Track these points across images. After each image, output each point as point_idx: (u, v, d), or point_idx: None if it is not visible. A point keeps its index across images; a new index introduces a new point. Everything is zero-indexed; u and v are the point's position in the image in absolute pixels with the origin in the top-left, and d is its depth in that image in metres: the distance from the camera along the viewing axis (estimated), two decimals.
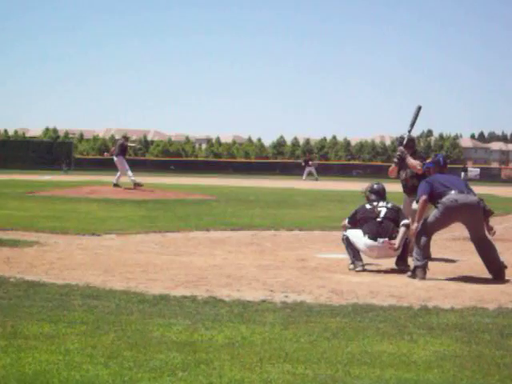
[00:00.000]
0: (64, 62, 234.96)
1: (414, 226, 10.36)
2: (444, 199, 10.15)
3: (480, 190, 37.50)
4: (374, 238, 10.63)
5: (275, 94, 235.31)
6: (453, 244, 14.68)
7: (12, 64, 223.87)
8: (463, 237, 16.14)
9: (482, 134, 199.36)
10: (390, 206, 11.05)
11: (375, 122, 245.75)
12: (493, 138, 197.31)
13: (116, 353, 5.61)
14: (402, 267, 10.68)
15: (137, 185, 29.98)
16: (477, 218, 10.37)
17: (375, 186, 11.50)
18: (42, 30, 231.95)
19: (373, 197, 11.32)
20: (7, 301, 7.58)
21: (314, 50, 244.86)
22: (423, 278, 9.96)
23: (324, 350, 5.87)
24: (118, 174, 30.33)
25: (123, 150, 30.29)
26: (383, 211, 10.91)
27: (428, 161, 12.09)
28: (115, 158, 30.26)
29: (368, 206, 11.08)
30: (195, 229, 16.08)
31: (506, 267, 10.21)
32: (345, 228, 11.18)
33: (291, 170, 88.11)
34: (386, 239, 10.60)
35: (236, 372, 5.20)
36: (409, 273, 10.26)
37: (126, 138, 31.36)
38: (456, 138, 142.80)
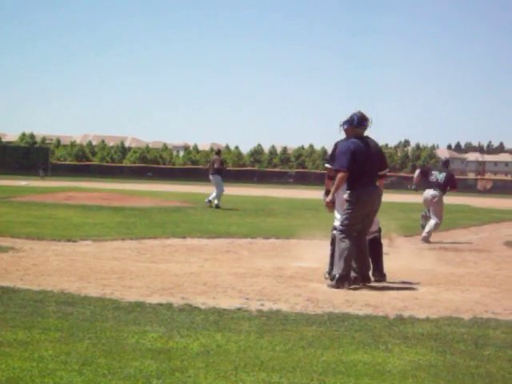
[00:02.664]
0: (41, 66, 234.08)
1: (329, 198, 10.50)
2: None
3: (457, 200, 37.81)
4: None
5: (253, 102, 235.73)
6: (430, 253, 14.73)
7: None
8: (439, 246, 16.27)
9: (458, 145, 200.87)
10: None
11: None
12: (469, 148, 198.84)
13: (90, 360, 5.58)
14: (377, 278, 10.66)
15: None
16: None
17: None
18: (18, 32, 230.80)
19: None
20: None
21: (293, 58, 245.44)
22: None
23: (299, 358, 5.87)
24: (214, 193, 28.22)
25: (219, 169, 28.46)
26: None
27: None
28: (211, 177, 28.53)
29: None
30: (172, 236, 16.05)
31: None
32: None
33: (269, 178, 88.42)
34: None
35: (211, 380, 5.18)
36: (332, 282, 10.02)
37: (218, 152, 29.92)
38: (433, 148, 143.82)
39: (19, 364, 5.40)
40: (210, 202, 27.83)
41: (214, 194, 27.92)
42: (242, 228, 18.84)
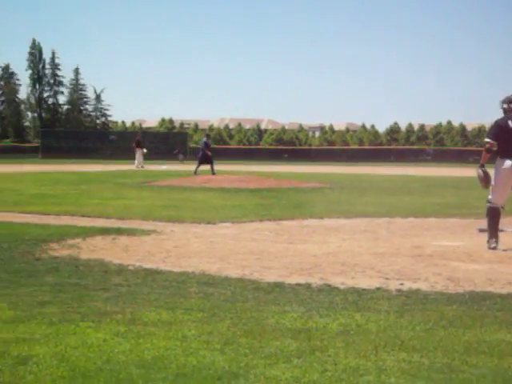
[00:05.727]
0: (195, 53, 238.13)
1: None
2: None
3: None
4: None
5: (388, 80, 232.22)
6: None
7: (128, 57, 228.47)
8: None
9: None
10: None
11: (492, 106, 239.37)
12: None
13: (232, 339, 5.68)
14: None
15: None
16: None
17: None
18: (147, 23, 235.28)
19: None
20: (126, 288, 7.77)
21: (433, 32, 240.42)
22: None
23: (440, 338, 5.80)
24: None
25: None
26: None
27: None
28: None
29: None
30: (309, 216, 16.08)
31: None
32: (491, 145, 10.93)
33: (406, 156, 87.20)
34: None
35: (351, 359, 5.19)
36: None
37: None
38: None
39: (163, 343, 5.56)
40: None
41: None
42: (380, 207, 18.68)
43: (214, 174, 33.60)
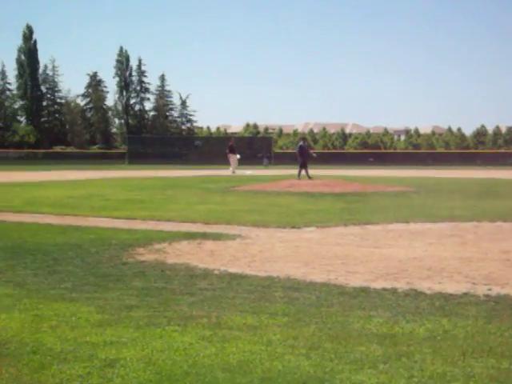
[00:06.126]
0: (264, 59, 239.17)
1: None
2: None
3: None
4: None
5: (475, 81, 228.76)
6: None
7: (213, 63, 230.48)
8: None
9: None
10: None
11: None
12: None
13: (317, 344, 5.67)
14: None
15: None
16: None
17: None
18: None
19: None
20: (211, 292, 7.83)
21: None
22: None
23: None
24: None
25: None
26: None
27: None
28: None
29: None
30: (394, 221, 15.94)
31: None
32: None
33: (493, 160, 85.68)
34: None
35: (438, 365, 5.13)
36: None
37: None
38: None
39: (249, 347, 5.58)
40: None
41: None
42: (467, 211, 18.40)
43: (299, 178, 33.42)
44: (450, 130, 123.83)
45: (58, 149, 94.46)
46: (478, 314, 6.77)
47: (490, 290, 8.05)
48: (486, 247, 11.73)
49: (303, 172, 34.14)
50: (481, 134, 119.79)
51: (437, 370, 5.02)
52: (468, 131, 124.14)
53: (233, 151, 49.59)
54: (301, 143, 36.62)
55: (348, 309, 7.01)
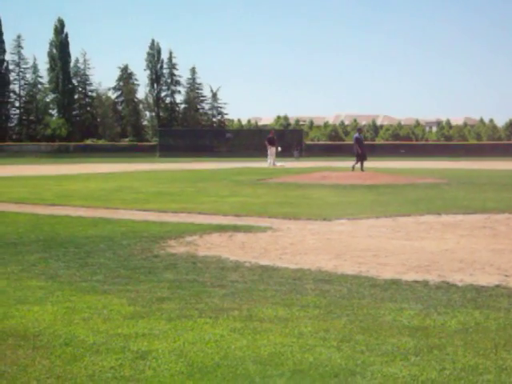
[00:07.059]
0: (312, 50, 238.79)
1: None
2: None
3: None
4: None
5: (503, 71, 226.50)
6: None
7: (243, 56, 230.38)
8: None
9: None
10: None
11: None
12: None
13: (348, 336, 5.67)
14: None
15: None
16: None
17: None
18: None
19: None
20: (243, 284, 7.84)
21: None
22: None
23: None
24: None
25: None
26: None
27: None
28: None
29: None
30: (426, 213, 15.85)
31: None
32: None
33: None
34: None
35: (470, 358, 5.10)
36: None
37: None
38: None
39: (280, 340, 5.59)
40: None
41: None
42: (499, 203, 18.27)
43: (362, 170, 32.94)
44: (481, 121, 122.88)
45: (89, 142, 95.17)
46: (510, 306, 6.72)
47: None
48: None
49: (358, 164, 33.85)
50: None
51: (469, 363, 5.00)
52: (500, 122, 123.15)
53: (272, 143, 49.31)
54: (356, 135, 36.26)
55: (379, 301, 6.99)
